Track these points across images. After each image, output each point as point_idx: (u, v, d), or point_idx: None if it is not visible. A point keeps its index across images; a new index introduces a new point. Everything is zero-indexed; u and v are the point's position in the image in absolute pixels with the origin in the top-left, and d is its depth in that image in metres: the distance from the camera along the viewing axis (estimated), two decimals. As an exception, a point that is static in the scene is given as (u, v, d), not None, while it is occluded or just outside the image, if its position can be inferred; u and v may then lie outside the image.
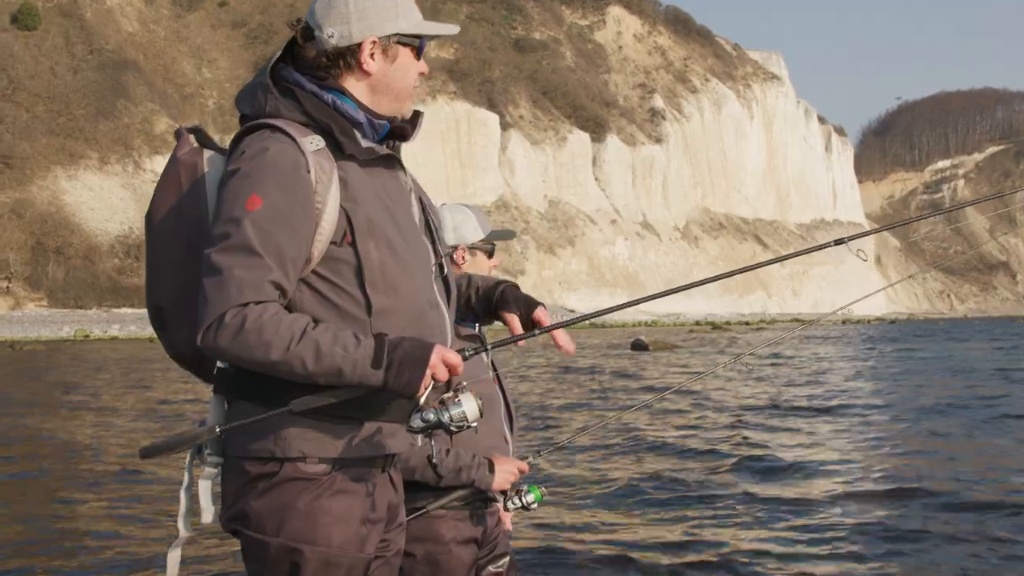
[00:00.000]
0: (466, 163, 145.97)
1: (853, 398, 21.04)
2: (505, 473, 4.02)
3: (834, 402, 19.94)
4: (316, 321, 2.73)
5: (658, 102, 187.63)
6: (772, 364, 33.12)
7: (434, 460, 3.04)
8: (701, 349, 47.32)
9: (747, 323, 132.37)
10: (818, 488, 10.90)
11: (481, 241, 4.27)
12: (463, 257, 4.21)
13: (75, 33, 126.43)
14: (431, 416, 2.72)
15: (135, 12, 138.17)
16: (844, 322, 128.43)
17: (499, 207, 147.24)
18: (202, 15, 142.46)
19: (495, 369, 4.23)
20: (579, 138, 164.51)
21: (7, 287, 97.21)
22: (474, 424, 2.76)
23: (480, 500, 4.08)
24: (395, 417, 2.87)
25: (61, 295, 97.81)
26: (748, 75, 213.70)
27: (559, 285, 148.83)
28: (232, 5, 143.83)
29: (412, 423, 2.74)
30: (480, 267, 4.27)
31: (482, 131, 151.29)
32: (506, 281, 3.55)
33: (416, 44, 2.97)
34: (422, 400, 2.75)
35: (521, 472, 4.11)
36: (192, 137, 3.04)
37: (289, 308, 2.77)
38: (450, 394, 2.77)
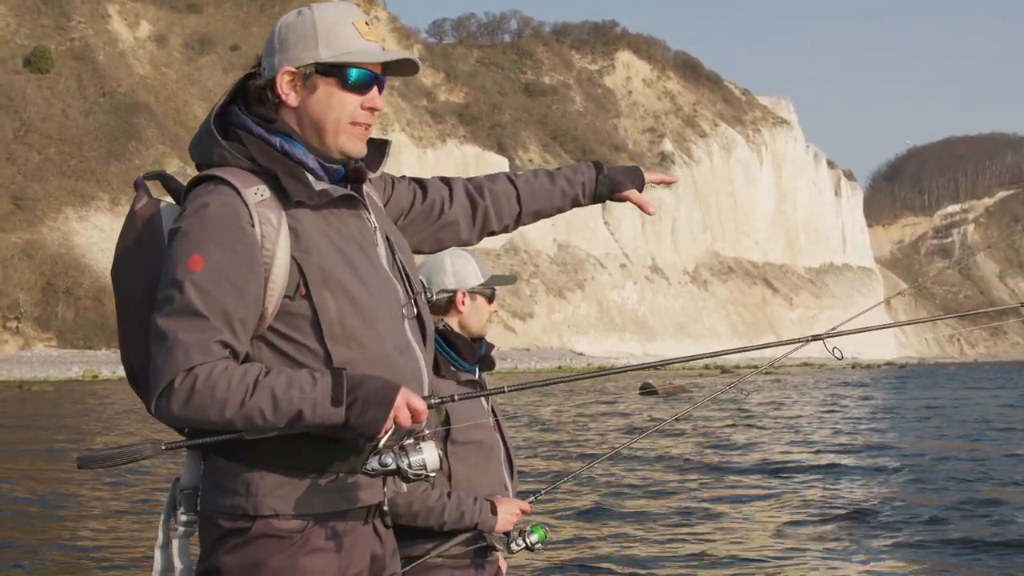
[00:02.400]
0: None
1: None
2: (508, 514, 3.98)
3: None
4: (268, 368, 2.62)
5: (667, 146, 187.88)
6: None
7: (384, 508, 2.81)
8: (707, 393, 47.13)
9: (755, 366, 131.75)
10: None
11: (481, 286, 4.21)
12: (463, 302, 4.17)
13: (87, 76, 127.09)
14: (389, 461, 2.60)
15: (147, 55, 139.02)
16: (854, 367, 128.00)
17: (508, 251, 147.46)
18: (214, 58, 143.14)
19: (495, 415, 4.24)
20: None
21: (17, 327, 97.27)
22: (433, 474, 2.65)
23: (480, 549, 4.03)
24: (352, 460, 2.74)
25: (70, 336, 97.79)
26: (757, 120, 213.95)
27: (568, 328, 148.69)
28: (244, 49, 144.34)
29: (369, 466, 2.62)
30: (480, 312, 4.21)
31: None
32: (594, 164, 3.47)
33: (341, 75, 2.78)
34: (381, 443, 2.63)
35: (524, 512, 4.07)
36: (154, 185, 2.94)
37: None
38: (411, 440, 2.66)
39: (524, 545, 4.10)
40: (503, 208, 3.36)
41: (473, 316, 4.18)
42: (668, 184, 3.56)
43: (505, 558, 4.23)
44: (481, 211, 3.33)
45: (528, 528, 4.13)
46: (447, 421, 3.89)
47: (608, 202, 3.52)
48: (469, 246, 3.46)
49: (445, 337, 4.09)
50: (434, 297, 4.15)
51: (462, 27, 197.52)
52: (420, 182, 3.32)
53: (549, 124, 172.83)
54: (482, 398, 4.10)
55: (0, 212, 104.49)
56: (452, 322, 4.15)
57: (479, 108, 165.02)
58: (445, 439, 3.92)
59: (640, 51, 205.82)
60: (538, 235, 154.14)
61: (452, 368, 4.05)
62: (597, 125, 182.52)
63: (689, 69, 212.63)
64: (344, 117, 2.80)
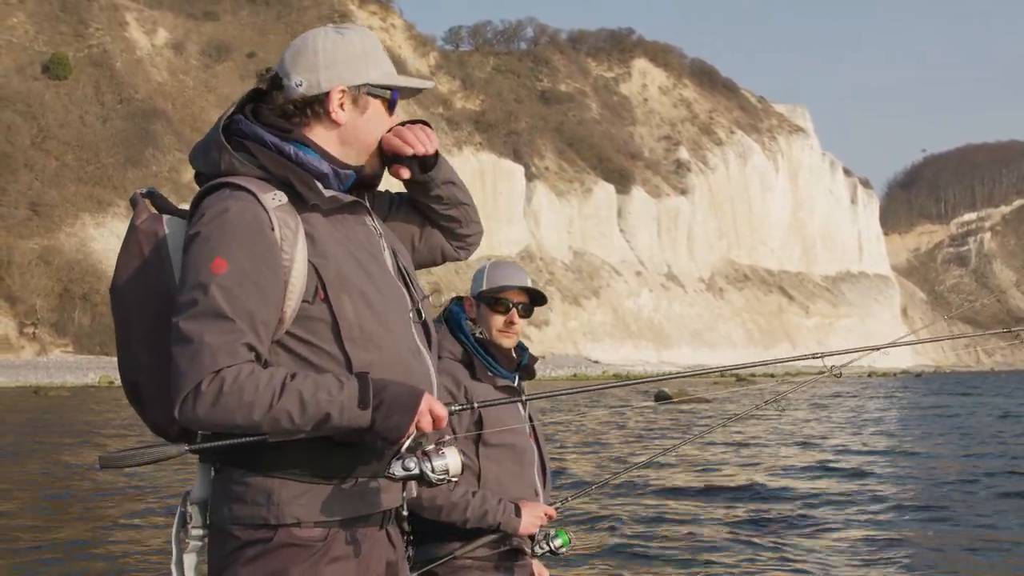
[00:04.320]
0: (491, 214, 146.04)
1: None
2: (532, 518, 4.02)
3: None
4: (293, 372, 2.59)
5: (683, 154, 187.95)
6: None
7: (404, 512, 2.84)
8: (728, 400, 47.09)
9: (772, 375, 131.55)
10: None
11: (484, 292, 4.19)
12: (472, 308, 4.21)
13: (105, 82, 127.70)
14: (412, 465, 2.60)
15: (164, 62, 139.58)
16: (870, 375, 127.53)
17: (524, 258, 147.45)
18: (231, 65, 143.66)
19: (532, 422, 4.28)
20: (604, 189, 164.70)
21: (34, 333, 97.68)
22: (455, 479, 2.64)
23: (510, 552, 4.08)
24: (372, 465, 2.72)
25: (87, 341, 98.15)
26: (773, 127, 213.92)
27: (584, 336, 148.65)
28: (261, 56, 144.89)
29: (393, 471, 2.61)
30: (488, 321, 4.19)
31: (507, 182, 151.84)
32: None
33: (387, 96, 2.87)
34: (403, 448, 2.63)
35: (549, 517, 4.11)
36: (148, 202, 2.92)
37: None
38: (433, 446, 2.65)
39: (548, 549, 4.13)
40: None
41: (483, 324, 4.18)
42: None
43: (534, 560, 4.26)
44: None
45: (553, 532, 4.14)
46: (480, 423, 3.98)
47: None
48: (460, 259, 3.37)
49: (482, 344, 4.15)
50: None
51: (478, 35, 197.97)
52: (402, 196, 3.27)
53: (565, 131, 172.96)
54: (519, 405, 4.15)
55: (18, 218, 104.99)
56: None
57: (495, 115, 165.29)
58: (477, 441, 4.00)
59: (656, 59, 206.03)
60: (554, 243, 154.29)
61: (489, 373, 4.10)
62: (613, 132, 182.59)
63: (705, 77, 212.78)
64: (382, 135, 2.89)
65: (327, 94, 2.79)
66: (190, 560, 2.74)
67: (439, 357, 3.91)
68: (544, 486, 4.27)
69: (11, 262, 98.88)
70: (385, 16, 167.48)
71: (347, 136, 2.84)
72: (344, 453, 2.69)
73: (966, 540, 11.04)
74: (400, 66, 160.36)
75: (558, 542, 4.14)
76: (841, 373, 3.47)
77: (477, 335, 4.16)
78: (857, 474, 16.98)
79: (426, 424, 2.64)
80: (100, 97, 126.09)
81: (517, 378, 4.23)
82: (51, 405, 44.70)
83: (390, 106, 2.88)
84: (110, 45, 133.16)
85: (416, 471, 2.61)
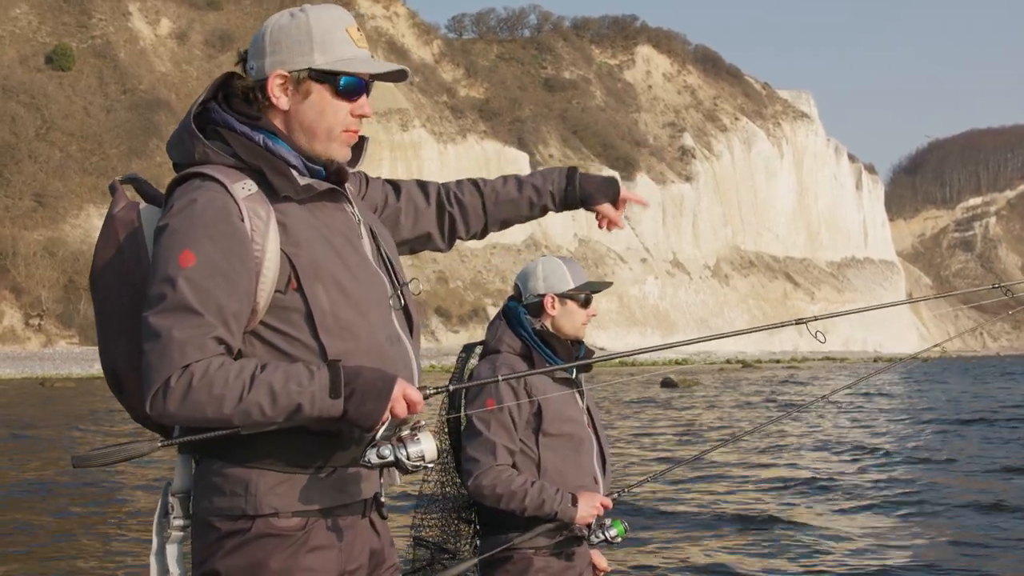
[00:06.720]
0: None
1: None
2: (588, 507, 4.16)
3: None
4: (263, 363, 2.58)
5: (688, 141, 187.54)
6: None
7: (382, 499, 2.86)
8: (731, 388, 47.09)
9: (778, 361, 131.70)
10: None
11: (571, 290, 4.41)
12: (552, 305, 4.39)
13: (108, 73, 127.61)
14: (387, 452, 2.59)
15: (168, 52, 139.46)
16: (876, 360, 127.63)
17: (529, 246, 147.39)
18: (234, 56, 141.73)
19: (591, 413, 4.48)
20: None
21: (39, 324, 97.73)
22: (431, 464, 2.64)
23: (569, 540, 4.25)
24: (350, 454, 2.72)
25: (92, 333, 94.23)
26: (778, 114, 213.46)
27: (589, 323, 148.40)
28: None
29: (367, 458, 2.60)
30: (572, 315, 4.43)
31: (512, 170, 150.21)
32: (569, 168, 3.47)
33: (333, 82, 2.75)
34: (378, 435, 2.62)
35: (605, 507, 4.24)
36: (128, 189, 2.91)
37: None
38: (408, 432, 2.64)
39: (604, 538, 4.25)
40: (469, 217, 3.34)
41: (564, 319, 4.42)
42: (643, 205, 3.62)
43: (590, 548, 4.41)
44: (448, 218, 3.32)
45: (608, 522, 4.27)
46: (539, 413, 4.21)
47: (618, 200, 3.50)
48: (442, 252, 3.43)
49: (542, 337, 4.35)
50: (526, 300, 4.44)
51: (482, 22, 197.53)
52: (393, 183, 3.31)
53: (569, 119, 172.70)
54: (577, 396, 4.39)
55: (22, 210, 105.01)
56: (547, 324, 4.40)
57: (499, 103, 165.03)
58: (537, 431, 4.22)
59: (660, 45, 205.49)
60: (559, 230, 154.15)
61: (547, 364, 4.27)
62: (617, 120, 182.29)
63: (709, 63, 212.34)
64: (337, 125, 2.79)
65: (267, 79, 2.76)
66: (172, 551, 2.74)
67: (498, 351, 4.35)
68: (604, 475, 4.42)
69: (16, 253, 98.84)
70: (388, 4, 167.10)
71: (290, 122, 2.78)
72: (321, 442, 2.68)
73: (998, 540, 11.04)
74: (403, 55, 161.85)
75: (613, 532, 4.26)
76: (825, 339, 3.57)
77: (536, 328, 4.37)
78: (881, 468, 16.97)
79: (400, 410, 2.62)
80: (104, 88, 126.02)
81: (575, 371, 4.40)
82: (56, 396, 44.75)
83: (337, 91, 2.77)
84: (113, 36, 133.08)
85: (391, 458, 2.60)
